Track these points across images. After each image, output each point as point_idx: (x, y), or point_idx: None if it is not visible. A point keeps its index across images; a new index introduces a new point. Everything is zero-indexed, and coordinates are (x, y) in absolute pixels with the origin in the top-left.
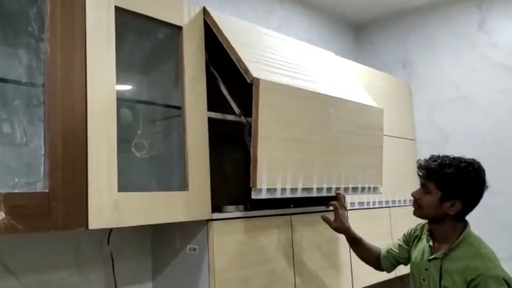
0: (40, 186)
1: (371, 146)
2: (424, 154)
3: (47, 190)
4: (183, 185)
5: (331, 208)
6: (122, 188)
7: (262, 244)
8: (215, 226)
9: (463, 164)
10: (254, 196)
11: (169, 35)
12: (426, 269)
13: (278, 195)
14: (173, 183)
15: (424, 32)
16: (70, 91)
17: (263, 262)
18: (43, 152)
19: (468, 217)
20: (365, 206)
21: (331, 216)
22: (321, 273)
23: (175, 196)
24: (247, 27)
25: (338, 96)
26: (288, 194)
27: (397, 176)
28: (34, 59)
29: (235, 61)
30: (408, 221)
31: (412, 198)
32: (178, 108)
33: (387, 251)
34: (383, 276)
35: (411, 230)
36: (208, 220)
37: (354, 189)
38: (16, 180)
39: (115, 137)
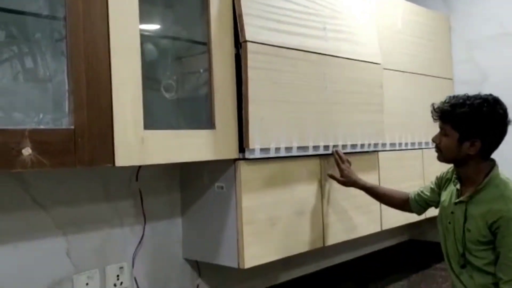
0: (65, 122)
1: (370, 103)
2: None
3: (72, 127)
4: (209, 124)
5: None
6: (148, 126)
7: (290, 184)
8: (243, 166)
9: (477, 101)
10: (248, 155)
11: None
12: (452, 212)
13: (272, 154)
14: (200, 122)
15: None
16: (92, 26)
17: (291, 202)
18: (67, 88)
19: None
20: (397, 148)
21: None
22: (351, 213)
23: (202, 135)
24: None
25: (335, 54)
26: (282, 153)
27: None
28: None
29: (237, 17)
30: (441, 164)
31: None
32: (204, 44)
33: (418, 194)
34: (412, 217)
35: (443, 173)
36: (235, 160)
37: (353, 146)
38: (41, 116)
39: (140, 73)
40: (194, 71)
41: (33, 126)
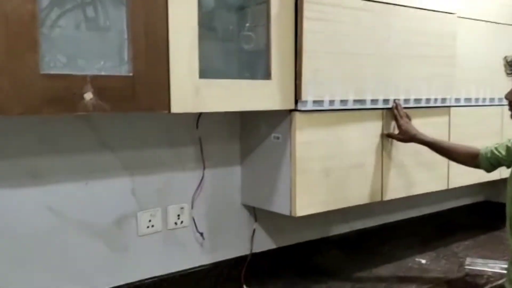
0: (124, 70)
1: (440, 56)
2: None
3: (131, 74)
4: (266, 74)
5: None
6: (204, 75)
7: (348, 137)
8: (298, 117)
9: None
10: (300, 107)
11: None
12: None
13: (325, 106)
14: (256, 72)
15: None
16: None
17: (348, 154)
18: (126, 37)
19: None
20: (473, 103)
21: None
22: (414, 169)
23: (257, 85)
24: None
25: (401, 3)
26: (337, 106)
27: None
28: None
29: None
30: None
31: None
32: None
33: (491, 151)
34: (484, 176)
35: None
36: (291, 110)
37: (417, 101)
38: (102, 63)
39: (196, 23)
40: (252, 22)
41: (94, 72)
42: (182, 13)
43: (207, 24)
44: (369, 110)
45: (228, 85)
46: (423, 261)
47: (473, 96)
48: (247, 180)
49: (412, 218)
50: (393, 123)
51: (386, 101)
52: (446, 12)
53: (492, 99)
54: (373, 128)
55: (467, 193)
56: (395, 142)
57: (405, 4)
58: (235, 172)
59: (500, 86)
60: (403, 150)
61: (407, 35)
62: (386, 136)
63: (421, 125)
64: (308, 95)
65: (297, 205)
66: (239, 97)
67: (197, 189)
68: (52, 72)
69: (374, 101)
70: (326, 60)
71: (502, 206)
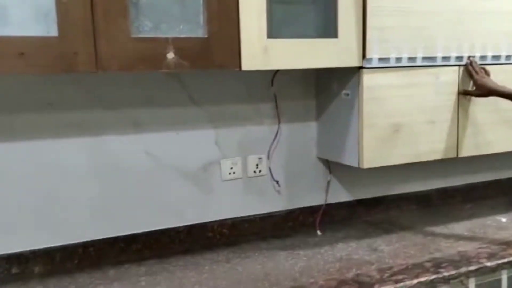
0: (200, 32)
1: None
2: None
3: (206, 36)
4: (333, 33)
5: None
6: (272, 35)
7: (419, 94)
8: (366, 73)
9: None
10: (365, 64)
11: None
12: None
13: (392, 63)
14: (323, 31)
15: None
16: None
17: (419, 110)
18: (201, 3)
19: None
20: None
21: None
22: (493, 127)
23: (323, 43)
24: None
25: None
26: (404, 63)
27: None
28: None
29: None
30: None
31: None
32: None
33: None
34: None
35: None
36: (360, 68)
37: (496, 57)
38: (181, 27)
39: None
40: None
41: (175, 35)
42: None
43: None
44: (442, 67)
45: (295, 44)
46: (504, 220)
47: None
48: (322, 135)
49: (502, 179)
50: (468, 82)
51: (459, 58)
52: None
53: None
54: (446, 85)
55: None
56: (474, 99)
57: None
58: (311, 127)
59: None
60: (483, 107)
61: None
62: (463, 94)
63: (502, 83)
64: (373, 52)
65: (364, 158)
66: (305, 56)
67: (273, 141)
68: (140, 35)
69: (445, 58)
70: (392, 18)
71: None
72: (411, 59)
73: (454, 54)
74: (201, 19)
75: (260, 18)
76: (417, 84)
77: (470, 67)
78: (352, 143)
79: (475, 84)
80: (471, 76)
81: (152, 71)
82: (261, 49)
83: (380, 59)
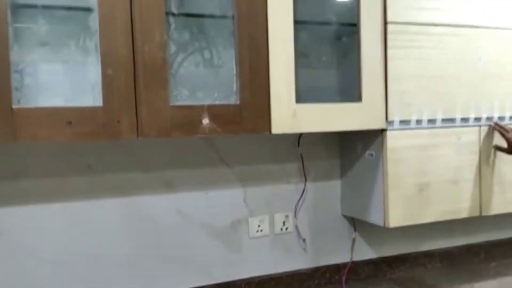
0: (233, 99)
1: None
2: None
3: (238, 103)
4: (357, 97)
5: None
6: (300, 100)
7: (441, 154)
8: (389, 135)
9: None
10: (387, 127)
11: None
12: None
13: (413, 125)
14: (348, 95)
15: None
16: (254, 21)
17: (442, 170)
18: (234, 72)
19: None
20: None
21: None
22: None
23: (348, 107)
24: None
25: (493, 26)
26: (424, 125)
27: None
28: None
29: None
30: None
31: None
32: (354, 25)
33: None
34: None
35: None
36: (383, 130)
37: None
38: (215, 94)
39: (293, 57)
40: (343, 49)
41: (210, 102)
42: (281, 51)
43: (303, 56)
44: (462, 127)
45: (322, 108)
46: None
47: None
48: (346, 193)
49: None
50: (491, 139)
51: (477, 119)
52: None
53: None
54: (468, 145)
55: None
56: (498, 157)
57: (495, 26)
58: (335, 186)
59: None
60: (507, 166)
61: (498, 55)
62: (495, 149)
63: None
64: (395, 115)
65: (390, 217)
66: (331, 119)
67: (299, 199)
68: (178, 103)
69: (464, 119)
70: (412, 83)
71: None
72: (431, 121)
73: (473, 116)
74: (234, 87)
75: (289, 85)
76: (439, 145)
77: (498, 128)
78: (377, 203)
79: (508, 141)
80: (502, 135)
81: (188, 136)
82: (290, 114)
83: (402, 122)
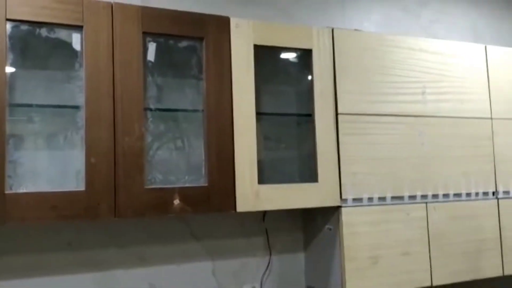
0: (202, 181)
1: (477, 155)
2: None
3: (206, 184)
4: (314, 178)
5: None
6: (262, 181)
7: (394, 227)
8: (344, 211)
9: None
10: (340, 204)
11: (300, 57)
12: None
13: (365, 203)
14: (306, 176)
15: None
16: (221, 114)
17: (394, 243)
18: (203, 158)
19: None
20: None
21: None
22: (462, 257)
23: (306, 187)
24: (377, 41)
25: (434, 115)
26: (375, 202)
27: None
28: (195, 93)
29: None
30: None
31: None
32: (309, 115)
33: None
34: None
35: None
36: (339, 206)
37: (457, 195)
38: (186, 177)
39: (255, 145)
40: (300, 136)
41: (181, 185)
42: (244, 139)
43: (265, 142)
44: (411, 204)
45: (282, 188)
46: None
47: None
48: (309, 265)
49: None
50: (438, 215)
51: (424, 196)
52: (479, 118)
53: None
54: (416, 220)
55: None
56: (441, 232)
57: (437, 115)
58: (300, 258)
59: None
60: (452, 239)
61: (441, 140)
62: None
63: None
64: (348, 194)
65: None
66: (291, 198)
67: (265, 272)
68: (152, 186)
69: (412, 197)
70: (363, 165)
71: None
72: (381, 198)
73: (419, 193)
74: (203, 171)
75: (252, 168)
76: (390, 220)
77: None
78: (336, 274)
79: None
80: None
81: (161, 216)
82: (253, 194)
83: (354, 199)
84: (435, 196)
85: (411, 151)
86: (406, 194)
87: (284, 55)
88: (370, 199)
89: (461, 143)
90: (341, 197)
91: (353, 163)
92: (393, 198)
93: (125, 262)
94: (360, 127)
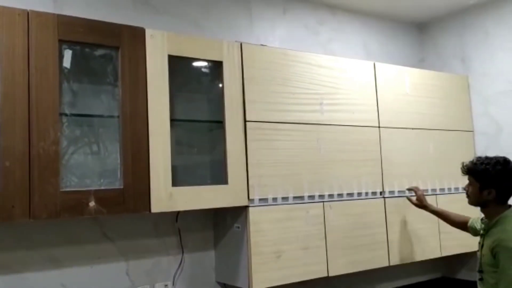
0: (117, 184)
1: (367, 159)
2: (482, 145)
3: (122, 187)
4: (224, 180)
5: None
6: (176, 183)
7: (295, 224)
8: (251, 211)
9: (494, 160)
10: (249, 204)
11: (212, 68)
12: (479, 242)
13: (270, 202)
14: (217, 178)
15: (480, 27)
16: (136, 120)
17: (296, 239)
18: (119, 161)
19: None
20: (407, 194)
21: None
22: (355, 250)
23: (217, 189)
24: (280, 55)
25: (329, 123)
26: (279, 202)
27: (452, 165)
28: (111, 99)
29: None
30: (455, 207)
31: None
32: (220, 122)
33: (472, 222)
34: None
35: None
36: (246, 206)
37: (350, 194)
38: (101, 180)
39: (169, 149)
40: (211, 141)
41: (96, 187)
42: (159, 144)
43: (179, 146)
44: (310, 203)
45: (194, 190)
46: None
47: (405, 187)
48: (219, 262)
49: None
50: (334, 213)
51: (321, 196)
52: (368, 126)
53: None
54: (314, 218)
55: (426, 270)
56: (334, 228)
57: (331, 123)
58: (210, 255)
59: (434, 179)
60: (344, 234)
61: (336, 146)
62: (407, 199)
63: (364, 213)
64: (255, 195)
65: (253, 281)
66: (203, 199)
67: (177, 269)
68: (67, 189)
69: (311, 196)
70: (267, 168)
71: (459, 282)
72: (284, 198)
73: (317, 193)
74: (119, 174)
75: (166, 171)
76: (292, 218)
77: (411, 188)
78: (243, 268)
79: (418, 197)
80: (415, 192)
81: (76, 217)
82: (167, 195)
83: (261, 199)
84: (331, 195)
85: (310, 156)
86: (306, 194)
87: (196, 66)
88: (275, 199)
89: (353, 148)
90: (248, 197)
91: (260, 167)
92: (294, 198)
93: (37, 264)
94: (266, 134)
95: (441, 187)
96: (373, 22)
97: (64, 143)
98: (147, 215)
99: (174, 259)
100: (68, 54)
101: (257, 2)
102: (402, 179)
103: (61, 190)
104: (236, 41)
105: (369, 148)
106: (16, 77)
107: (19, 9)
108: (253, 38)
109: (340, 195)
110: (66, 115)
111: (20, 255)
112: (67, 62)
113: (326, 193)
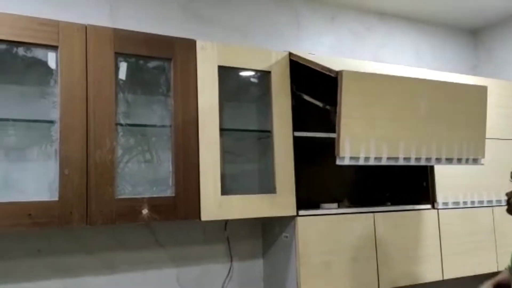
0: (169, 192)
1: (470, 121)
2: None
3: (173, 195)
4: (272, 190)
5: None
6: (225, 192)
7: (343, 236)
8: (300, 220)
9: None
10: (338, 162)
11: (260, 78)
12: None
13: (361, 162)
14: (265, 187)
15: None
16: (187, 129)
17: (345, 250)
18: (170, 170)
19: None
20: (461, 206)
21: None
22: (408, 261)
23: (265, 198)
24: (328, 64)
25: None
26: (372, 162)
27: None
28: (163, 109)
29: (320, 70)
30: None
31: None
32: (268, 131)
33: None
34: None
35: None
36: (295, 216)
37: (448, 160)
38: (154, 188)
39: (219, 158)
40: (261, 150)
41: (149, 195)
42: (209, 153)
43: (228, 155)
44: (362, 214)
45: (243, 199)
46: None
47: (461, 199)
48: (267, 271)
49: None
50: (383, 225)
51: (417, 159)
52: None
53: (481, 202)
54: (366, 228)
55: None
56: (386, 240)
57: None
58: (258, 264)
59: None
60: (394, 246)
61: (436, 104)
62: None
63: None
64: (346, 152)
65: None
66: (251, 208)
67: (226, 277)
68: (122, 197)
69: (406, 159)
70: (361, 123)
71: None
72: (378, 159)
73: (413, 156)
74: (170, 182)
75: (215, 181)
76: (341, 228)
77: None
78: (291, 279)
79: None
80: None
81: (130, 223)
82: (216, 204)
83: (351, 158)
84: (428, 159)
85: (409, 114)
86: (401, 156)
87: (245, 75)
88: (367, 158)
89: (454, 108)
90: (337, 154)
91: (353, 121)
92: (389, 159)
93: (93, 269)
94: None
95: (498, 199)
96: (424, 28)
97: (119, 152)
98: (197, 222)
99: (222, 267)
100: (123, 66)
101: (304, 11)
102: (456, 190)
103: (116, 197)
104: (284, 50)
105: (474, 109)
106: (75, 89)
107: (77, 24)
108: (301, 46)
109: (438, 159)
110: (121, 125)
111: (77, 260)
112: (122, 74)
113: (423, 156)
